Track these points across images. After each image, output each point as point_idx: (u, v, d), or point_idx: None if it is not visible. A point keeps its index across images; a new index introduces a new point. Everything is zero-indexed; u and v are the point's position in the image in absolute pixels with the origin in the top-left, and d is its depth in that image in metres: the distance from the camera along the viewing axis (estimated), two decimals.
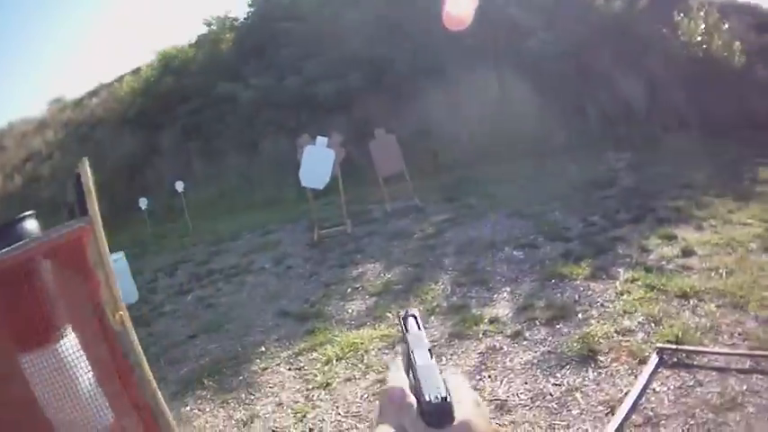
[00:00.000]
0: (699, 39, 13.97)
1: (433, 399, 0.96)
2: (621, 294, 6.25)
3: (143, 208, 14.69)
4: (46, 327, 3.80)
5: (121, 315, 3.28)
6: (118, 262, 10.50)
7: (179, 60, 21.93)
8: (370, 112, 15.63)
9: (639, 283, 6.38)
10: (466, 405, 1.01)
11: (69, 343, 5.14)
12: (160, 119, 20.37)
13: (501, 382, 5.24)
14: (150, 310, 10.62)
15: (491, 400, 5.01)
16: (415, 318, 1.22)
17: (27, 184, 21.75)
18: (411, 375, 1.10)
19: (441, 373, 1.04)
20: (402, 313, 1.25)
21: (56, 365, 3.68)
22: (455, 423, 0.96)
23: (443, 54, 15.38)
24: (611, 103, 13.55)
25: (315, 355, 6.87)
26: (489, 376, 5.40)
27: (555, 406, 4.68)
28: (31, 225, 5.09)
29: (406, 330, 1.20)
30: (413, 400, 1.03)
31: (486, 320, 6.48)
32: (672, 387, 4.52)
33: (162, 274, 12.43)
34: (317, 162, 11.26)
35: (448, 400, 0.97)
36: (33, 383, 3.62)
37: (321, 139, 11.37)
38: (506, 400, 4.95)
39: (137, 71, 24.23)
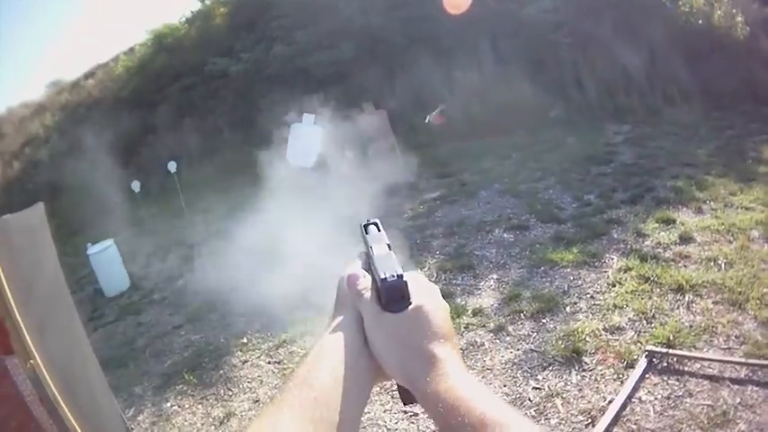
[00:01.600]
0: (700, 9, 13.57)
1: (389, 276, 0.96)
2: (613, 285, 5.94)
3: (136, 191, 14.59)
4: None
5: (32, 364, 3.23)
6: (109, 249, 11.11)
7: (172, 38, 21.78)
8: (364, 84, 15.42)
9: (633, 273, 6.06)
10: (423, 292, 1.00)
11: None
12: (155, 97, 20.31)
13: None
14: (141, 297, 10.56)
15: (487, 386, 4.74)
16: (377, 225, 1.24)
17: (25, 170, 21.91)
18: (371, 270, 1.09)
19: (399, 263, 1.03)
20: (363, 221, 1.25)
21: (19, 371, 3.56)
22: (409, 308, 0.96)
23: (438, 24, 15.09)
24: (611, 73, 13.19)
25: (294, 347, 6.83)
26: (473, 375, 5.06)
27: (533, 413, 4.45)
28: None
29: (366, 233, 1.21)
30: (368, 283, 1.05)
31: (469, 312, 6.25)
32: (659, 397, 4.24)
33: (155, 259, 12.26)
34: (305, 140, 11.08)
35: (404, 278, 0.97)
36: (19, 383, 3.51)
37: (307, 116, 11.11)
38: None
39: (131, 50, 24.22)
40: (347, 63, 16.51)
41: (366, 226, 1.25)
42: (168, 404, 6.57)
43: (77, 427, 3.37)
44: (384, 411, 5.12)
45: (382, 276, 0.97)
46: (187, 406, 6.42)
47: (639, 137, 10.93)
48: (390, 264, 1.01)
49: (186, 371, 6.96)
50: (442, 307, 1.00)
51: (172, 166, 14.27)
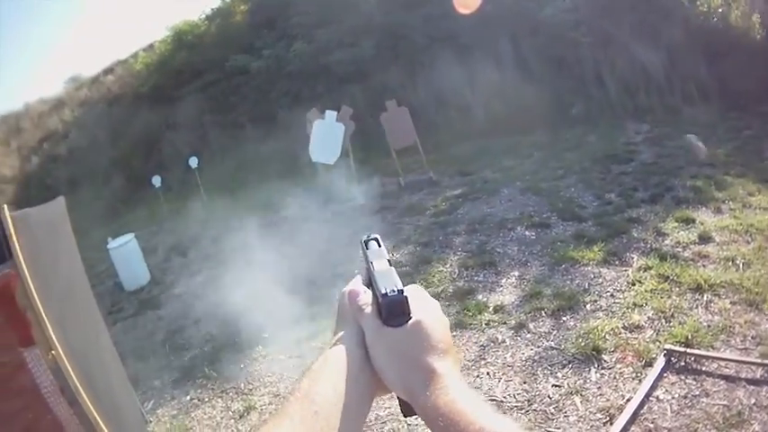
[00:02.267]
0: (718, 10, 13.50)
1: (389, 291, 0.98)
2: (633, 284, 5.95)
3: (156, 186, 14.61)
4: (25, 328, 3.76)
5: (54, 354, 3.28)
6: (129, 244, 11.19)
7: (192, 35, 21.86)
8: (385, 82, 15.41)
9: (653, 272, 6.06)
10: (423, 307, 1.02)
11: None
12: (175, 93, 20.33)
13: (499, 380, 5.04)
14: (160, 292, 10.56)
15: (486, 400, 4.70)
16: (377, 240, 1.23)
17: (44, 165, 21.92)
18: (371, 285, 1.10)
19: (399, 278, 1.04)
20: (364, 237, 1.26)
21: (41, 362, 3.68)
22: (409, 323, 0.98)
23: (458, 22, 15.09)
24: (630, 72, 13.11)
25: (315, 342, 6.75)
26: (488, 373, 5.19)
27: (552, 410, 4.47)
28: None
29: (367, 249, 1.21)
30: (369, 299, 1.06)
31: (490, 309, 6.27)
32: (676, 396, 4.26)
33: (175, 254, 12.35)
34: (327, 137, 11.06)
35: (404, 293, 0.99)
36: (37, 375, 3.69)
37: (330, 113, 11.11)
38: (502, 401, 4.74)
39: (150, 47, 24.28)
40: (368, 61, 16.52)
41: (366, 242, 1.26)
42: (188, 397, 6.64)
43: (98, 418, 3.43)
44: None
45: (383, 291, 1.00)
46: (207, 399, 6.49)
47: (659, 136, 10.87)
48: (391, 279, 1.04)
49: (206, 364, 7.03)
50: (442, 321, 1.03)
51: (193, 162, 14.35)
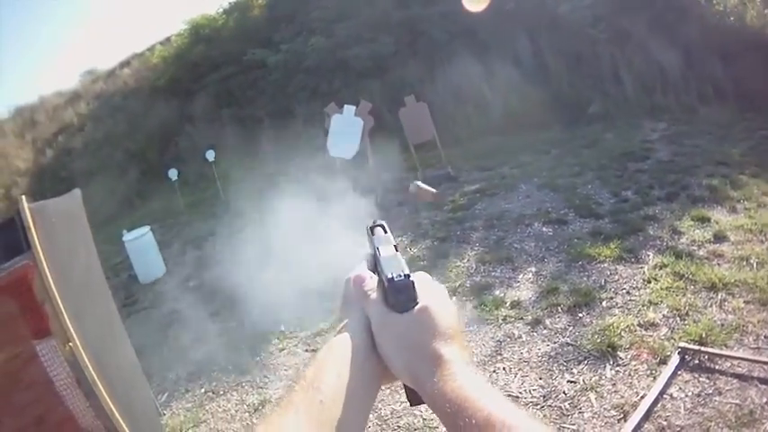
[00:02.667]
0: (734, 9, 13.44)
1: (395, 276, 0.99)
2: (649, 282, 5.98)
3: (173, 179, 14.66)
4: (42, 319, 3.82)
5: (71, 346, 3.34)
6: (145, 236, 11.30)
7: (210, 28, 21.85)
8: (403, 77, 15.43)
9: (668, 270, 6.08)
10: (430, 292, 1.02)
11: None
12: (192, 87, 20.38)
13: (515, 375, 5.09)
14: (176, 284, 10.44)
15: (494, 386, 4.80)
16: (383, 226, 1.28)
17: (58, 157, 21.96)
18: (377, 271, 1.13)
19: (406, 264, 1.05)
20: (369, 223, 1.31)
21: (57, 354, 3.73)
22: (416, 308, 0.98)
23: (477, 18, 15.04)
24: (647, 70, 13.05)
25: (332, 336, 6.67)
26: (504, 368, 5.24)
27: (567, 407, 4.51)
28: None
29: (373, 234, 1.25)
30: (375, 284, 1.08)
31: (507, 304, 6.31)
32: (690, 394, 4.29)
33: (191, 247, 12.36)
34: (345, 131, 11.15)
35: (411, 278, 1.00)
36: (49, 368, 3.74)
37: (349, 108, 11.20)
38: (518, 397, 4.78)
39: (167, 40, 24.37)
40: (386, 56, 16.53)
41: (372, 228, 1.30)
42: (202, 390, 6.68)
43: (114, 410, 3.49)
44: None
45: (389, 276, 1.01)
46: (222, 392, 6.52)
47: (675, 134, 10.87)
48: (397, 264, 1.05)
49: (222, 357, 7.08)
50: (450, 307, 1.03)
51: (210, 155, 14.42)
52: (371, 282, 1.09)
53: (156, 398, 6.35)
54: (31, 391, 4.64)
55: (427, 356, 0.93)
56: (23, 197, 3.34)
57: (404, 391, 1.04)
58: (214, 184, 14.82)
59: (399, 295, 0.99)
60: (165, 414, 6.21)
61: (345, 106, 11.20)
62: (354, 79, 16.33)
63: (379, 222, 1.31)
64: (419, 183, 10.57)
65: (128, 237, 11.23)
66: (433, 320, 0.96)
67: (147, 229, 11.31)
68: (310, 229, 10.66)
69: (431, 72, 15.22)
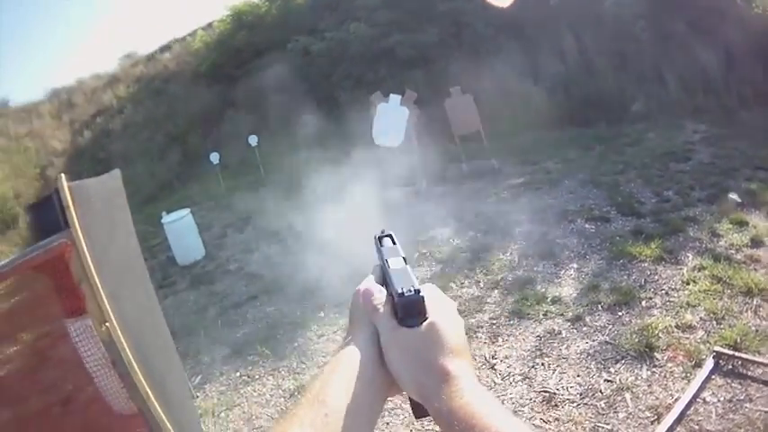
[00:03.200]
0: None
1: (405, 291, 1.00)
2: (687, 284, 6.03)
3: (214, 163, 14.78)
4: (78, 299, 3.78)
5: (107, 326, 3.32)
6: (185, 218, 11.49)
7: (252, 15, 21.93)
8: (448, 69, 15.38)
9: (706, 272, 6.13)
10: (439, 307, 1.03)
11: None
12: (235, 73, 20.54)
13: (554, 371, 5.18)
14: (215, 267, 10.74)
15: (540, 392, 4.94)
16: (391, 237, 1.28)
17: (96, 139, 22.24)
18: (386, 284, 1.14)
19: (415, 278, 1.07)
20: (377, 233, 1.31)
21: (92, 334, 3.72)
22: (425, 323, 1.00)
23: (521, 12, 14.96)
24: (689, 71, 12.99)
25: None
26: (543, 364, 5.33)
27: (603, 406, 4.57)
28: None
29: (381, 245, 1.26)
30: (384, 298, 1.08)
31: (548, 300, 6.38)
32: (722, 399, 4.33)
33: (231, 230, 12.57)
34: (391, 120, 11.19)
35: (421, 294, 1.00)
36: (79, 347, 3.72)
37: (394, 97, 11.25)
38: (555, 394, 4.87)
39: (209, 26, 24.50)
40: (431, 47, 16.51)
41: (380, 238, 1.30)
42: (237, 374, 6.74)
43: (149, 392, 3.47)
44: None
45: (399, 291, 1.02)
46: (257, 377, 6.57)
47: (716, 137, 10.80)
48: (407, 278, 1.06)
49: (259, 342, 7.15)
50: (458, 322, 1.05)
51: (253, 140, 14.63)
52: (380, 295, 1.10)
53: (189, 380, 6.41)
54: (59, 370, 4.64)
55: (435, 372, 0.95)
56: (62, 175, 3.26)
57: (409, 403, 1.05)
58: (256, 169, 14.98)
59: (409, 310, 1.01)
60: (197, 396, 6.31)
61: (391, 95, 11.26)
62: (399, 69, 16.36)
63: (387, 233, 1.32)
64: None
65: (167, 218, 11.38)
66: (441, 336, 0.99)
67: (186, 211, 11.43)
68: (352, 216, 10.75)
69: (476, 64, 15.06)
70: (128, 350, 3.39)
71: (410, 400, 1.03)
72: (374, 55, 17.27)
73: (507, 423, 0.83)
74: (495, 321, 6.27)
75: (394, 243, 1.27)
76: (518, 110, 14.02)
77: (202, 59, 22.43)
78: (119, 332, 3.36)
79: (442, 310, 1.03)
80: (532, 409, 4.76)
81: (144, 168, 17.81)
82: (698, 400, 4.35)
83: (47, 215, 3.32)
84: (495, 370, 5.45)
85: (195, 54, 23.53)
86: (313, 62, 18.55)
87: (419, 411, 1.01)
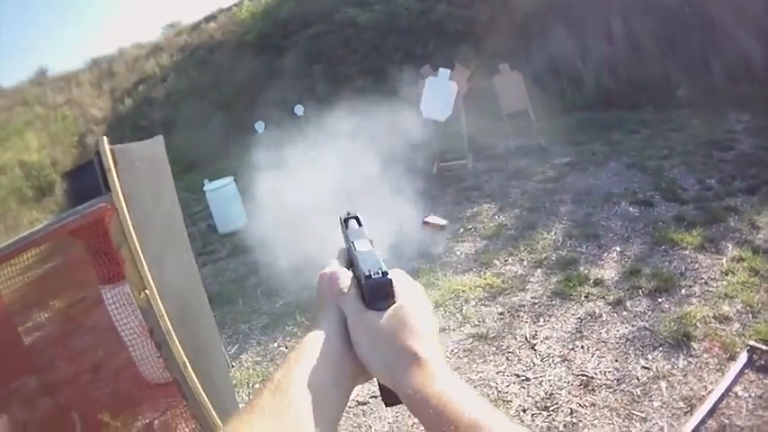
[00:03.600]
0: None
1: (373, 273, 1.00)
2: (726, 274, 6.05)
3: (259, 132, 14.74)
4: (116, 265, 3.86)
5: (146, 293, 3.27)
6: (227, 187, 11.60)
7: None
8: (497, 46, 15.37)
9: (745, 264, 6.14)
10: (406, 290, 1.04)
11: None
12: (281, 43, 20.61)
13: (593, 355, 5.26)
14: (257, 236, 10.52)
15: (578, 375, 5.03)
16: (357, 219, 1.30)
17: (138, 107, 22.45)
18: (352, 267, 1.14)
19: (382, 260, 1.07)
20: (343, 215, 1.33)
21: (129, 301, 3.82)
22: (393, 306, 0.99)
23: None
24: (734, 60, 12.77)
25: None
26: (582, 347, 5.41)
27: (638, 393, 4.62)
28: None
29: (347, 227, 1.28)
30: (350, 281, 1.07)
31: (591, 282, 6.46)
32: (753, 395, 4.35)
33: (275, 200, 12.22)
34: (439, 94, 11.30)
35: (388, 276, 1.01)
36: (113, 314, 3.89)
37: (443, 71, 11.34)
38: (593, 378, 4.94)
39: None
40: (480, 23, 16.47)
41: (346, 220, 1.31)
42: (275, 344, 6.87)
43: (186, 362, 3.45)
44: (497, 373, 5.32)
45: (366, 273, 1.00)
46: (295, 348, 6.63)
47: (758, 128, 10.64)
48: (374, 260, 1.05)
49: (299, 312, 7.23)
50: (427, 306, 1.04)
51: (299, 110, 14.53)
52: (346, 278, 1.08)
53: (225, 349, 6.52)
54: (90, 337, 4.59)
55: (404, 355, 0.93)
56: (104, 138, 3.25)
57: (379, 390, 1.04)
58: (302, 139, 14.94)
59: (376, 293, 1.00)
60: (233, 366, 6.42)
61: (440, 69, 11.35)
62: (448, 44, 16.36)
63: (353, 214, 1.32)
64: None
65: (209, 186, 11.41)
66: (409, 319, 0.97)
67: (230, 179, 11.47)
68: (398, 192, 10.86)
69: (525, 43, 15.20)
70: (166, 318, 3.36)
71: (380, 386, 1.03)
72: (422, 28, 17.29)
73: (484, 411, 0.83)
74: (537, 301, 6.36)
75: (360, 225, 1.29)
76: (565, 89, 14.10)
77: (248, 29, 22.55)
78: (158, 300, 3.33)
79: (410, 292, 1.04)
80: (569, 392, 4.84)
81: (186, 136, 17.88)
82: (730, 393, 4.38)
83: (86, 180, 3.33)
84: (535, 350, 5.53)
85: (241, 24, 23.66)
86: (361, 34, 18.60)
87: (390, 398, 1.00)
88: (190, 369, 3.49)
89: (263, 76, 19.80)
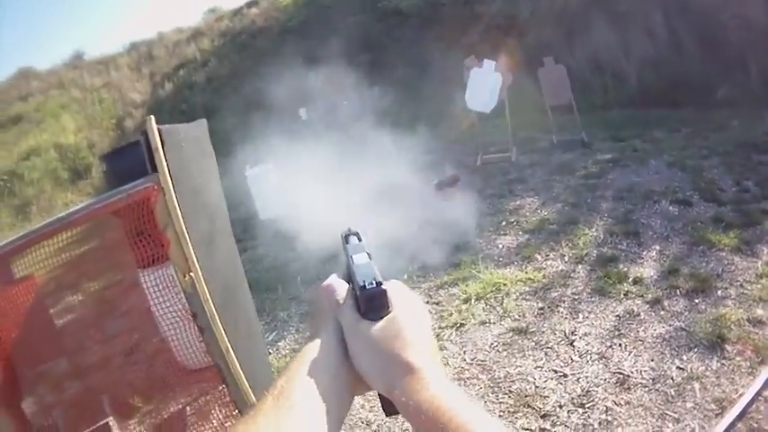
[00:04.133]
0: None
1: (367, 284, 1.02)
2: (761, 277, 6.09)
3: (303, 118, 15.00)
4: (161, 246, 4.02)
5: (191, 276, 3.20)
6: (269, 172, 11.85)
7: None
8: (540, 39, 15.51)
9: None
10: (403, 300, 1.05)
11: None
12: (323, 30, 20.47)
13: (630, 353, 5.32)
14: (298, 224, 10.35)
15: (614, 373, 5.09)
16: (357, 235, 1.30)
17: (178, 91, 22.77)
18: (350, 280, 1.14)
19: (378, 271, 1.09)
20: (344, 231, 1.32)
21: (171, 284, 3.76)
22: (387, 316, 1.01)
23: None
24: None
25: (455, 290, 7.10)
26: (620, 345, 5.46)
27: (672, 393, 4.66)
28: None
29: (347, 243, 1.27)
30: (345, 292, 1.10)
31: (630, 280, 6.52)
32: None
33: (317, 188, 11.96)
34: (484, 85, 11.37)
35: (383, 286, 1.02)
36: (151, 297, 3.80)
37: (488, 63, 11.40)
38: (629, 377, 5.00)
39: None
40: (523, 16, 16.60)
41: (347, 237, 1.30)
42: None
43: (229, 347, 3.39)
44: (535, 368, 5.41)
45: (361, 284, 1.02)
46: None
47: None
48: (370, 272, 1.07)
49: None
50: (423, 315, 1.06)
51: (339, 100, 14.75)
52: (342, 289, 1.10)
53: (263, 336, 6.56)
54: (125, 320, 4.74)
55: (399, 364, 0.95)
56: (152, 117, 3.19)
57: (378, 399, 1.05)
58: (343, 126, 15.05)
59: (371, 303, 1.02)
60: (270, 353, 6.46)
61: (485, 60, 11.41)
62: (491, 35, 16.40)
63: (353, 231, 1.32)
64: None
65: (251, 171, 11.60)
66: (404, 329, 0.99)
67: (271, 165, 11.54)
68: (441, 180, 10.90)
69: (568, 37, 15.28)
70: (211, 303, 3.29)
71: (379, 396, 1.04)
72: (466, 19, 17.38)
73: (475, 417, 0.84)
74: (576, 297, 6.43)
75: (360, 241, 1.29)
76: (608, 85, 14.20)
77: (291, 16, 22.76)
78: (203, 283, 3.27)
79: (405, 303, 1.05)
80: (606, 390, 4.91)
81: (227, 121, 18.09)
82: (760, 397, 4.40)
83: (127, 162, 3.30)
84: (573, 347, 5.60)
85: (283, 11, 23.89)
86: (405, 22, 18.73)
87: (389, 408, 1.01)
88: (232, 354, 3.45)
89: (306, 63, 19.85)
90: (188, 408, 5.18)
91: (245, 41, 24.22)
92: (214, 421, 4.86)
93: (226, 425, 4.76)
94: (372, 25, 19.43)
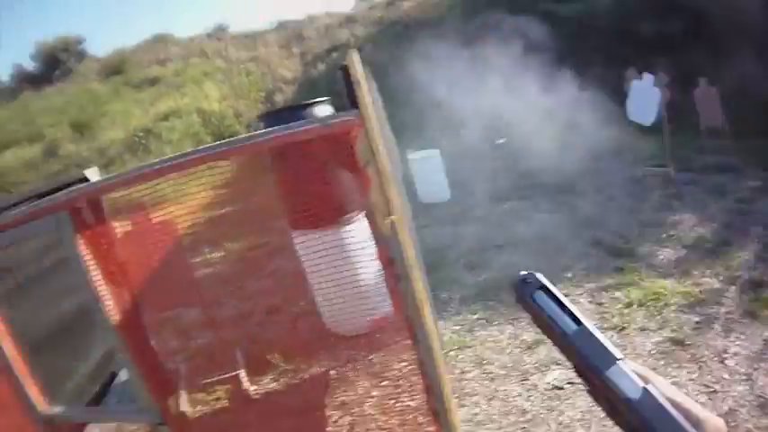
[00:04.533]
0: None
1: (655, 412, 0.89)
2: None
3: (500, 142, 14.85)
4: (320, 210, 4.32)
5: (393, 220, 2.94)
6: (433, 159, 12.53)
7: None
8: (691, 60, 15.84)
9: None
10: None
11: (354, 232, 5.51)
12: (479, 30, 20.85)
13: None
14: (460, 211, 11.56)
15: (758, 395, 5.03)
16: (545, 287, 1.09)
17: (331, 73, 22.93)
18: (563, 347, 1.01)
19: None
20: (520, 275, 1.12)
21: (330, 246, 4.11)
22: None
23: (755, 15, 15.25)
24: None
25: (618, 294, 7.17)
26: (766, 369, 5.40)
27: None
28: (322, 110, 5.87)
29: (533, 299, 1.09)
30: None
31: None
32: None
33: (481, 178, 13.18)
34: (644, 98, 11.71)
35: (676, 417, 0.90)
36: (303, 260, 4.19)
37: (648, 76, 11.69)
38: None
39: None
40: (675, 36, 17.00)
41: (532, 294, 1.04)
42: (475, 316, 7.16)
43: (424, 299, 3.15)
44: (688, 380, 5.41)
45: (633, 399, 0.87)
46: (495, 322, 6.92)
47: None
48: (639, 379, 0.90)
49: (503, 288, 7.55)
50: None
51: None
52: None
53: None
54: (268, 281, 5.04)
55: None
56: (354, 51, 3.08)
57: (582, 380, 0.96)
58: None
59: None
60: None
61: (645, 74, 11.78)
62: (644, 52, 16.64)
63: (538, 280, 1.06)
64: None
65: (415, 155, 12.45)
66: None
67: (436, 152, 12.56)
68: (598, 188, 11.28)
69: (715, 59, 15.47)
70: (411, 249, 3.04)
71: (582, 376, 0.96)
72: (620, 31, 17.76)
73: None
74: (730, 317, 6.40)
75: (558, 301, 1.03)
76: (761, 111, 14.01)
77: (447, 8, 23.24)
78: (404, 227, 3.01)
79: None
80: (749, 412, 4.86)
81: (391, 106, 18.45)
82: None
83: (289, 122, 3.09)
84: (724, 364, 5.57)
85: (437, 5, 24.34)
86: (561, 28, 18.89)
87: (596, 392, 0.92)
88: (428, 308, 3.16)
89: (464, 60, 20.28)
90: (332, 372, 5.79)
91: (399, 31, 24.82)
92: (360, 389, 5.31)
93: (372, 393, 5.19)
94: (530, 28, 19.24)
